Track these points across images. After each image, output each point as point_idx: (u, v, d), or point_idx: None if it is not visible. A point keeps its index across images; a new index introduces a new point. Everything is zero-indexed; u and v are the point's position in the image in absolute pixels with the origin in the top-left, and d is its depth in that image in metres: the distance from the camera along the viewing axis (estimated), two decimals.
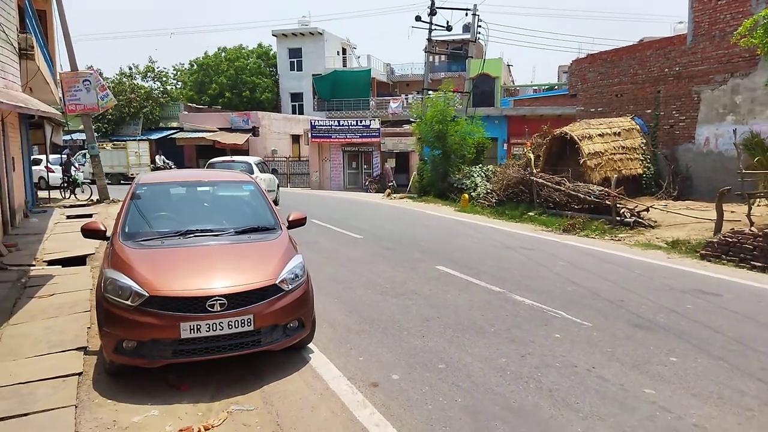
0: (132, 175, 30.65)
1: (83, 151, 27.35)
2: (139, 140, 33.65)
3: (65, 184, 21.50)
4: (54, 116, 12.73)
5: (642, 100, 17.58)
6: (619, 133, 16.44)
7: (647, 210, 12.78)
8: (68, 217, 14.95)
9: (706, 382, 4.56)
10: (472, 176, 19.57)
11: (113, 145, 31.45)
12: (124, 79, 38.78)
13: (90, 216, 14.77)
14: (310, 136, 30.44)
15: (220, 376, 4.69)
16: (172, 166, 30.98)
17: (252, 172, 16.88)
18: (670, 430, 3.82)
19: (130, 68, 40.35)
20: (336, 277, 8.36)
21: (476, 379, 4.65)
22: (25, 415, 3.99)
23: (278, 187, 20.80)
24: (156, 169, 28.80)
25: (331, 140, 30.10)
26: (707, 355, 5.16)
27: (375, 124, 29.69)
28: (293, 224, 5.86)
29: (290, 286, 4.81)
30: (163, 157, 30.94)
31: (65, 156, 22.65)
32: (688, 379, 4.64)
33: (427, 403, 4.22)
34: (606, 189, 13.31)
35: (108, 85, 23.93)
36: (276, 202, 18.95)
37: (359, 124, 30.02)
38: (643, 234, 11.72)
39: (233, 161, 18.65)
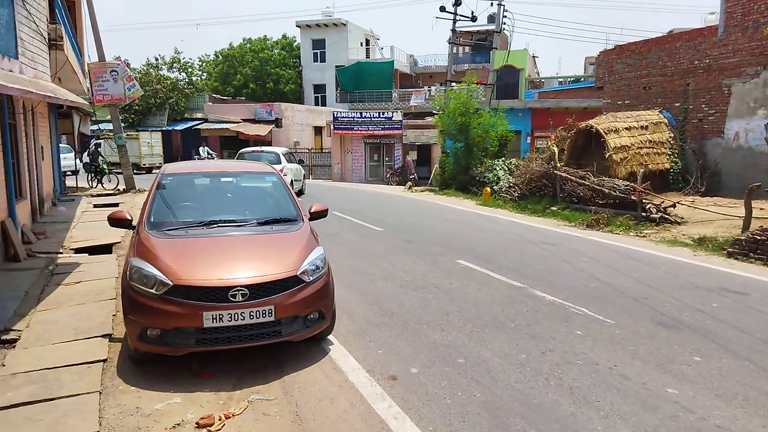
0: (144, 165, 30.93)
1: (98, 141, 27.67)
2: (151, 131, 33.91)
3: (92, 174, 21.90)
4: (82, 106, 12.95)
5: (670, 93, 17.21)
6: (647, 126, 16.12)
7: (674, 206, 12.55)
8: (95, 206, 15.24)
9: (731, 383, 4.48)
10: (495, 169, 19.42)
11: (126, 135, 31.68)
12: (151, 70, 39.24)
13: (116, 205, 15.03)
14: (332, 127, 30.50)
15: (241, 366, 4.75)
16: (215, 157, 31.13)
17: (279, 162, 17.90)
18: (693, 431, 3.76)
19: (157, 59, 40.79)
20: (356, 269, 8.38)
21: (496, 374, 4.63)
22: (51, 399, 4.09)
23: (304, 177, 21.53)
24: (201, 160, 29.00)
25: (353, 132, 30.11)
26: (733, 355, 5.06)
27: (397, 117, 29.60)
28: (315, 216, 5.90)
29: (311, 278, 4.85)
30: (207, 148, 31.02)
31: (93, 146, 23.07)
32: (713, 379, 4.56)
33: (446, 398, 4.22)
34: (632, 184, 13.09)
35: (135, 75, 24.25)
36: (302, 192, 19.94)
37: (381, 116, 29.96)
38: (669, 230, 11.52)
39: (262, 151, 19.53)
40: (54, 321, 5.76)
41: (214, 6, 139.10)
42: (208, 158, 28.64)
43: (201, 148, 30.44)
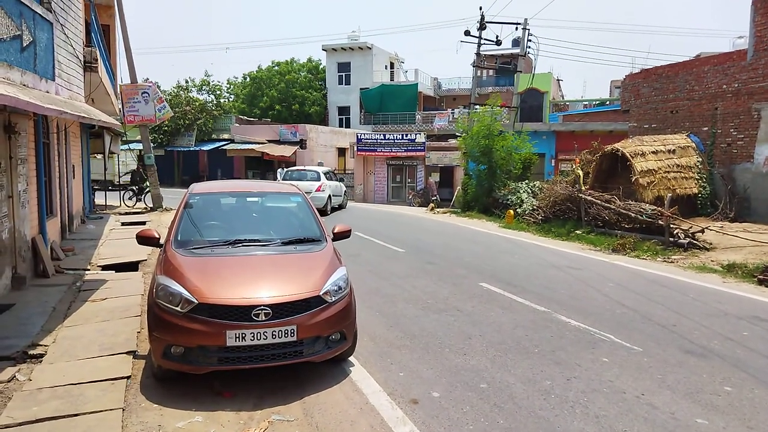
0: (117, 182, 29.42)
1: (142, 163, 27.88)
2: (127, 150, 32.86)
3: (134, 192, 22.42)
4: (114, 126, 13.28)
5: (698, 117, 16.99)
6: (674, 150, 15.92)
7: (702, 231, 12.30)
8: (123, 224, 15.51)
9: (764, 415, 4.33)
10: (518, 192, 19.30)
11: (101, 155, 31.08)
12: (181, 92, 40.09)
13: (143, 223, 15.29)
14: (355, 149, 30.75)
15: (263, 386, 4.75)
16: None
17: (319, 179, 20.51)
18: None
19: (187, 81, 41.72)
20: (378, 290, 8.36)
21: (519, 401, 4.55)
22: (75, 415, 4.13)
23: (345, 193, 24.44)
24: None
25: (376, 153, 30.32)
26: (765, 385, 4.90)
27: (420, 138, 29.74)
28: (338, 236, 5.93)
29: (333, 298, 4.85)
30: (287, 170, 30.75)
31: (137, 166, 23.92)
32: (744, 410, 4.41)
33: (468, 423, 4.16)
34: (659, 208, 12.89)
35: (165, 97, 24.78)
36: (343, 206, 23.43)
37: (404, 138, 30.14)
38: (697, 256, 11.28)
39: (305, 170, 22.29)
40: (80, 337, 5.85)
41: (244, 30, 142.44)
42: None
43: (279, 171, 30.14)
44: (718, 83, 16.25)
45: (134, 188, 22.69)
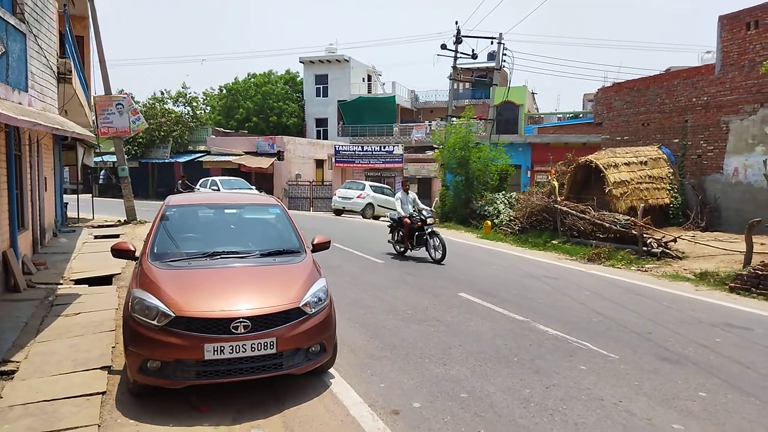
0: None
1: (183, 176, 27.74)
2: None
3: None
4: (87, 138, 13.07)
5: (669, 130, 17.41)
6: (646, 162, 16.27)
7: (675, 240, 12.56)
8: (96, 237, 15.23)
9: (738, 420, 4.42)
10: (495, 203, 19.47)
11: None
12: (156, 104, 39.72)
13: (117, 236, 15.04)
14: (333, 160, 30.80)
15: (242, 399, 4.69)
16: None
17: (363, 189, 25.03)
18: None
19: (162, 93, 41.36)
20: (357, 301, 8.34)
21: (499, 409, 4.57)
22: None
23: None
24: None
25: (355, 165, 30.42)
26: (738, 391, 5.00)
27: (398, 150, 29.93)
28: (317, 248, 5.91)
29: (313, 310, 4.83)
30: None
31: (182, 176, 24.95)
32: (719, 415, 4.50)
33: None
34: (632, 218, 13.13)
35: (140, 108, 24.56)
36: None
37: (382, 149, 30.30)
38: (670, 265, 11.51)
39: (356, 182, 26.65)
40: (53, 352, 5.71)
41: (221, 42, 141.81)
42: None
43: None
44: (688, 96, 16.70)
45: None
